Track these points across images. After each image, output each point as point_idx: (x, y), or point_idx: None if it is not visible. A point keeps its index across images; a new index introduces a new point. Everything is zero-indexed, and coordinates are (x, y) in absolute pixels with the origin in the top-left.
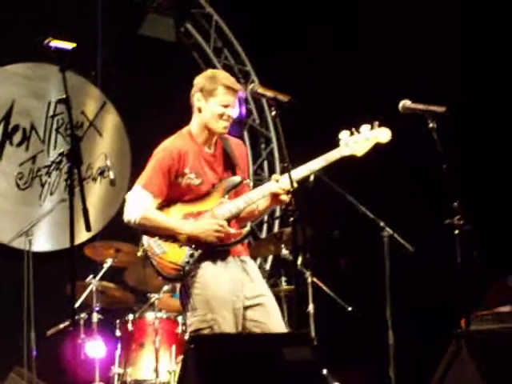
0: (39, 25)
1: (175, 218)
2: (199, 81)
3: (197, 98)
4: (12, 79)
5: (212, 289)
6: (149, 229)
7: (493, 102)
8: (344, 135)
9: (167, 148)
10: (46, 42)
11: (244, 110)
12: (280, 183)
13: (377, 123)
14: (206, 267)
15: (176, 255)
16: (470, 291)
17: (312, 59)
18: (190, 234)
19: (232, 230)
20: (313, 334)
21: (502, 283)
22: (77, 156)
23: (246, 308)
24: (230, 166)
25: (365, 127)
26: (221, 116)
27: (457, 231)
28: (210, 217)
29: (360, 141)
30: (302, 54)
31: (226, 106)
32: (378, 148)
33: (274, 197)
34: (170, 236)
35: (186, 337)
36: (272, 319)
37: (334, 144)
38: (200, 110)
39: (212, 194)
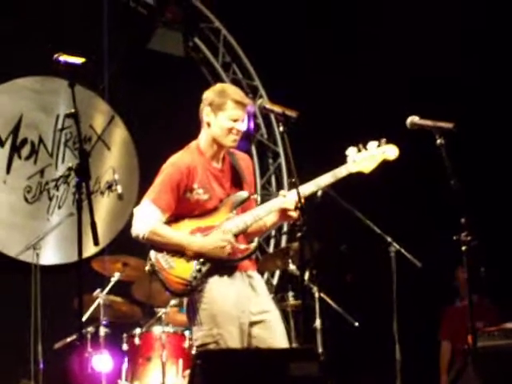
0: (47, 38)
1: (183, 233)
2: (208, 95)
3: (206, 113)
4: (20, 93)
5: (218, 304)
6: (157, 244)
7: (499, 115)
8: (351, 152)
9: (176, 163)
10: (55, 56)
11: (253, 125)
12: (288, 199)
13: (384, 140)
14: (213, 282)
15: (183, 270)
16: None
17: (320, 75)
18: (199, 251)
19: (240, 246)
20: (320, 349)
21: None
22: (85, 171)
23: (251, 324)
24: (237, 181)
25: (372, 144)
26: (230, 130)
27: (464, 247)
28: (218, 233)
29: (367, 158)
30: (310, 69)
31: (235, 121)
32: (385, 163)
33: (282, 213)
34: (177, 251)
35: (193, 351)
36: (276, 337)
37: (341, 159)
38: (209, 125)
39: (220, 209)
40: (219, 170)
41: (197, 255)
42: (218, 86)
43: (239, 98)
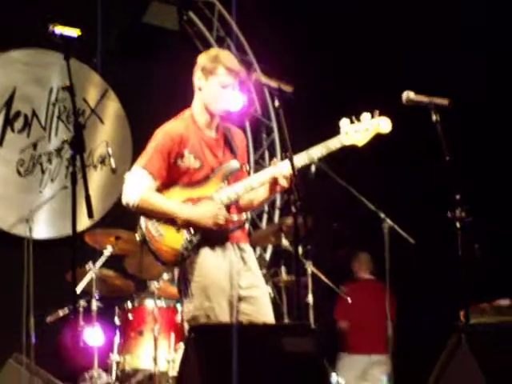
0: (40, 11)
1: (174, 201)
2: (201, 59)
3: (197, 77)
4: (13, 66)
5: (210, 276)
6: (147, 211)
7: (496, 93)
8: (344, 123)
9: (167, 131)
10: (50, 28)
11: (249, 100)
12: (279, 167)
13: (377, 112)
14: (205, 254)
15: (174, 240)
16: (471, 284)
17: (315, 49)
18: (189, 219)
19: (231, 216)
20: (312, 324)
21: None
22: (80, 144)
23: (240, 298)
24: (230, 152)
25: (365, 115)
26: (219, 96)
27: (458, 224)
28: (209, 202)
29: (360, 130)
30: (304, 43)
31: (225, 87)
32: (380, 139)
33: (273, 183)
34: (168, 219)
35: (185, 325)
36: (263, 314)
37: (335, 133)
38: (200, 89)
39: (211, 179)
40: (213, 138)
41: (187, 223)
42: (212, 50)
43: (231, 64)
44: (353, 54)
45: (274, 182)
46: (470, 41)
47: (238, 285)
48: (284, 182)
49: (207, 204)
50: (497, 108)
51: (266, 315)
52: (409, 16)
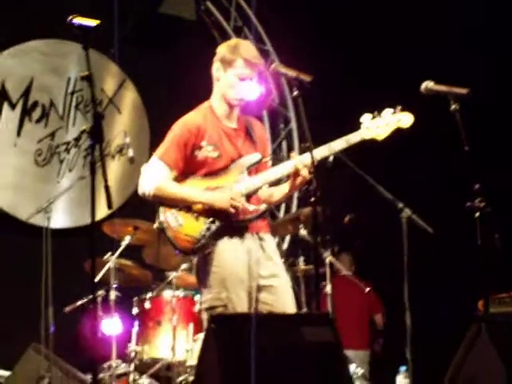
0: (57, 1)
1: (190, 188)
2: (221, 50)
3: (216, 68)
4: (31, 56)
5: (228, 267)
6: (163, 200)
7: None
8: (366, 118)
9: (185, 122)
10: (69, 18)
11: (266, 89)
12: (301, 158)
13: (399, 108)
14: (223, 245)
15: (192, 228)
16: (490, 274)
17: (333, 40)
18: (205, 203)
19: (249, 207)
20: (330, 313)
21: None
22: (99, 134)
23: (259, 288)
24: (250, 143)
25: (387, 111)
26: (236, 88)
27: (477, 214)
28: (227, 190)
29: (381, 125)
30: (322, 34)
31: (243, 79)
32: (399, 130)
33: (294, 177)
34: (185, 206)
35: (203, 315)
36: (284, 303)
37: (356, 127)
38: (218, 80)
39: (230, 170)
40: (232, 129)
41: (204, 208)
42: (233, 41)
43: (250, 57)
44: (375, 46)
45: (295, 175)
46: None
47: (257, 274)
48: (305, 172)
49: (225, 190)
50: (497, 108)
51: (287, 305)
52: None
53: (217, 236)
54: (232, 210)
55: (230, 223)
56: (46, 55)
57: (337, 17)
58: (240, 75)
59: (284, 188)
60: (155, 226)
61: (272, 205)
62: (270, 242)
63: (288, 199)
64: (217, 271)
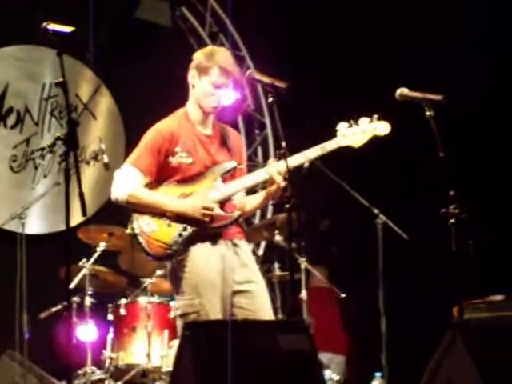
0: (33, 7)
1: (163, 194)
2: (196, 57)
3: (191, 75)
4: (6, 61)
5: (201, 273)
6: (136, 206)
7: (490, 91)
8: (342, 126)
9: (159, 128)
10: (44, 25)
11: (241, 95)
12: (276, 165)
13: (376, 116)
14: (196, 251)
15: (165, 234)
16: (465, 280)
17: (309, 46)
18: (177, 211)
19: (222, 213)
20: (306, 320)
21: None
22: (74, 141)
23: (234, 293)
24: (225, 150)
25: (364, 120)
26: (211, 96)
27: (452, 220)
28: (199, 196)
29: (358, 133)
30: (298, 41)
31: (218, 87)
32: (375, 137)
33: (270, 184)
34: (157, 213)
35: (178, 322)
36: (260, 308)
37: (331, 134)
38: (193, 87)
39: (205, 177)
40: (206, 135)
41: (176, 215)
42: (209, 48)
43: (226, 64)
44: (351, 53)
45: (271, 183)
46: (469, 41)
47: (232, 280)
48: (280, 179)
49: (197, 197)
50: (495, 107)
51: (264, 310)
52: (408, 16)
53: (189, 242)
54: (204, 219)
55: (203, 230)
56: (21, 61)
57: (312, 24)
58: (215, 83)
59: (258, 198)
60: (127, 231)
61: (245, 215)
62: (245, 248)
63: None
64: (189, 277)
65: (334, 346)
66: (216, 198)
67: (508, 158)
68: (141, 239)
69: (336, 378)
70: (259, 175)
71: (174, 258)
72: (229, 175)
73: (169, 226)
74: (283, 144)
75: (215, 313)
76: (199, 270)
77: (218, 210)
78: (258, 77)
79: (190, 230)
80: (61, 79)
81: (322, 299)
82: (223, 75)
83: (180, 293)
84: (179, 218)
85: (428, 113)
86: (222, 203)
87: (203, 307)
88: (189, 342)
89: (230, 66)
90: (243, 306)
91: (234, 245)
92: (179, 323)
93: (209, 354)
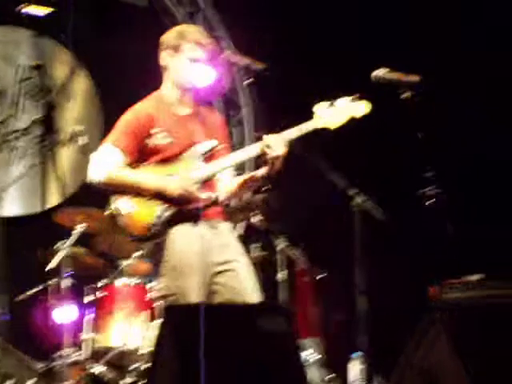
0: None
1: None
2: (165, 39)
3: (163, 57)
4: None
5: (180, 255)
6: (114, 187)
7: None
8: (319, 108)
9: (135, 110)
10: (19, 7)
11: (220, 74)
12: (267, 140)
13: (355, 96)
14: (175, 232)
15: (145, 215)
16: (442, 261)
17: (287, 26)
18: (156, 188)
19: (202, 195)
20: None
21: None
22: (50, 124)
23: (215, 274)
24: (205, 130)
25: (341, 100)
26: (188, 71)
27: (430, 201)
28: (179, 176)
29: (335, 114)
30: (276, 21)
31: (194, 61)
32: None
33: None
34: (136, 192)
35: (157, 303)
36: (241, 285)
37: (307, 112)
38: (167, 68)
39: (184, 157)
40: (186, 116)
41: (155, 193)
42: (176, 28)
43: (199, 37)
44: (331, 36)
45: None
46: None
47: (212, 262)
48: (277, 152)
49: (178, 178)
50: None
51: (247, 286)
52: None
53: (169, 223)
54: (182, 197)
55: (183, 210)
56: None
57: (293, 5)
58: (191, 57)
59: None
60: (107, 212)
61: (234, 196)
62: (226, 228)
63: None
64: (168, 260)
65: (313, 331)
66: (197, 178)
67: (487, 139)
68: (121, 220)
69: (315, 357)
70: (240, 156)
71: (154, 239)
72: (209, 154)
73: (149, 206)
74: (260, 126)
75: (195, 295)
76: (178, 252)
77: (197, 191)
78: (236, 58)
79: (169, 210)
80: (38, 62)
81: (304, 283)
82: (197, 48)
83: (160, 275)
84: (158, 196)
85: (405, 94)
86: (203, 183)
87: (182, 289)
88: (168, 325)
89: (204, 38)
90: (223, 283)
91: (214, 226)
92: (159, 305)
93: (188, 337)
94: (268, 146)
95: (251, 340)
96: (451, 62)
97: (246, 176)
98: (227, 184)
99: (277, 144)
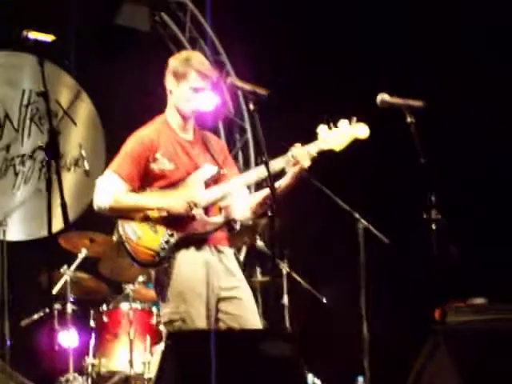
0: (13, 13)
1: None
2: (172, 63)
3: (168, 81)
4: None
5: (186, 281)
6: (120, 211)
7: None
8: (322, 129)
9: (139, 135)
10: (24, 33)
11: (222, 100)
12: (294, 151)
13: (355, 118)
14: (182, 257)
15: (151, 241)
16: (446, 284)
17: (289, 52)
18: (161, 207)
19: (208, 219)
20: (287, 325)
21: None
22: (55, 150)
23: (220, 300)
24: (207, 155)
25: (343, 122)
26: (190, 101)
27: (434, 225)
28: (183, 193)
29: (338, 136)
30: (278, 46)
31: (196, 91)
32: (356, 141)
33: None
34: (143, 217)
35: (161, 328)
36: (247, 314)
37: (312, 138)
38: (171, 93)
39: (187, 183)
40: (188, 141)
41: (162, 218)
42: (183, 53)
43: (203, 68)
44: (330, 59)
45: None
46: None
47: (217, 287)
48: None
49: (181, 195)
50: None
51: (251, 316)
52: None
53: (175, 249)
54: (190, 213)
55: (189, 235)
56: (0, 67)
57: (293, 27)
58: (194, 87)
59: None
60: (114, 238)
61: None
62: (230, 254)
63: None
64: (174, 285)
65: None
66: (201, 203)
67: (489, 164)
68: (127, 246)
69: (318, 382)
70: (243, 179)
71: (160, 265)
72: (211, 180)
73: (155, 232)
74: (265, 152)
75: (201, 320)
76: (184, 277)
77: (202, 215)
78: (239, 84)
79: (176, 236)
80: (42, 89)
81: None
82: (201, 78)
83: (165, 300)
84: (164, 219)
85: (408, 119)
86: (206, 209)
87: (188, 315)
88: (172, 351)
89: (207, 69)
90: (229, 312)
91: (219, 251)
92: (164, 330)
93: (192, 364)
94: (295, 158)
95: (257, 366)
96: (452, 87)
97: (266, 190)
98: (248, 200)
99: (303, 157)
